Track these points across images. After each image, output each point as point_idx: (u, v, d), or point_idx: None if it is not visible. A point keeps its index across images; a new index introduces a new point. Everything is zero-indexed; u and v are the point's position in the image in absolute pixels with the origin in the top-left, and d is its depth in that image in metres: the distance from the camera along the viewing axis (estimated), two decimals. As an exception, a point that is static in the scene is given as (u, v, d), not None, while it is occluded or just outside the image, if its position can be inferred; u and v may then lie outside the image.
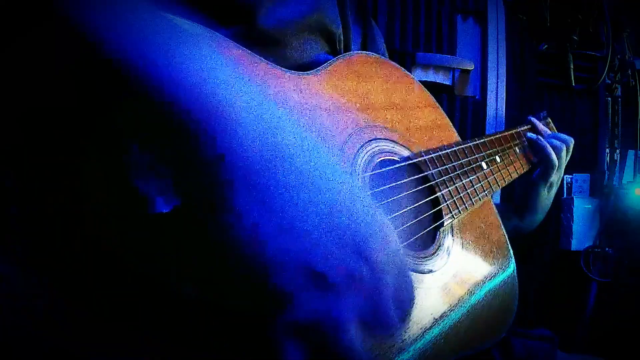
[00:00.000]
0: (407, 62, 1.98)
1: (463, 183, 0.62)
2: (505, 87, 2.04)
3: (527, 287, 1.92)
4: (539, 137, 0.89)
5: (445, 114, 0.71)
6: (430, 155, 0.59)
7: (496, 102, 2.05)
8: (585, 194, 1.97)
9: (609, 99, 1.94)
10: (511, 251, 0.67)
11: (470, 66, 2.02)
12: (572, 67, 1.88)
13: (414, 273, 0.49)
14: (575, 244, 1.89)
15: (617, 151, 1.92)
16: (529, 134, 0.89)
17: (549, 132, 0.95)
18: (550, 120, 1.02)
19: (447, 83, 2.02)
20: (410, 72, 2.05)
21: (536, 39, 1.97)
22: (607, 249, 1.83)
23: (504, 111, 2.03)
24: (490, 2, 2.04)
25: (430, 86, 2.03)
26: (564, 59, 1.91)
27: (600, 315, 1.79)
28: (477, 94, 2.07)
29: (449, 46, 2.04)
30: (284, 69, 0.47)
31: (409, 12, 2.01)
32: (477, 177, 0.66)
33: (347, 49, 0.66)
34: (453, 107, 2.02)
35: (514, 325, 0.72)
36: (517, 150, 0.80)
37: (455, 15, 2.05)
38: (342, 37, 0.65)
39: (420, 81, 2.09)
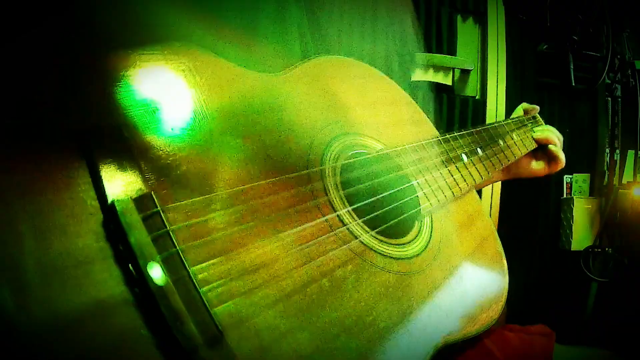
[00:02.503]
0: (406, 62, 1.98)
1: (441, 173, 0.62)
2: (505, 87, 2.04)
3: (527, 286, 1.91)
4: (555, 147, 0.92)
5: (421, 111, 0.71)
6: (405, 147, 0.59)
7: (496, 102, 2.04)
8: (585, 194, 1.97)
9: (609, 99, 1.94)
10: (498, 239, 0.67)
11: (470, 66, 2.02)
12: (572, 67, 1.88)
13: (391, 259, 0.49)
14: (575, 244, 1.89)
15: (617, 151, 1.92)
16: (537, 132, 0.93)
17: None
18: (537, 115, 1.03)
19: (447, 83, 2.02)
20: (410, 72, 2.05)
21: (536, 39, 1.97)
22: (607, 249, 1.83)
23: (504, 111, 2.03)
24: (490, 2, 2.04)
25: (430, 86, 2.03)
26: (564, 59, 1.92)
27: (600, 315, 1.78)
28: (477, 94, 2.07)
29: (449, 46, 2.04)
30: (253, 71, 0.49)
31: (409, 12, 2.01)
32: (457, 167, 0.66)
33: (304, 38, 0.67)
34: (453, 107, 2.02)
35: (512, 322, 0.72)
36: (501, 143, 0.79)
37: (455, 15, 2.05)
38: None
39: (420, 81, 2.09)
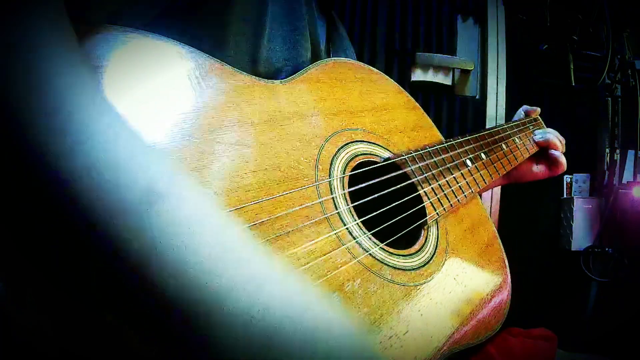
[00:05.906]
0: (407, 62, 1.98)
1: (446, 180, 0.62)
2: (505, 87, 2.04)
3: (527, 287, 1.92)
4: (556, 151, 0.92)
5: (426, 115, 0.71)
6: (411, 154, 0.59)
7: (496, 102, 2.05)
8: (585, 194, 1.97)
9: (609, 99, 1.94)
10: (501, 245, 0.67)
11: (470, 66, 2.02)
12: (572, 67, 1.88)
13: (399, 270, 0.49)
14: (575, 244, 1.89)
15: (617, 151, 1.92)
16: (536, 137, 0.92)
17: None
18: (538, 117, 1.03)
19: (447, 83, 2.03)
20: (410, 72, 2.05)
21: (536, 39, 1.97)
22: (607, 249, 1.83)
23: (504, 111, 2.03)
24: (490, 2, 2.04)
25: (430, 86, 2.04)
26: (564, 59, 1.91)
27: (600, 315, 1.79)
28: (477, 94, 2.07)
29: (449, 46, 2.04)
30: (258, 78, 0.48)
31: (409, 12, 2.01)
32: (462, 174, 0.66)
33: (314, 43, 0.66)
34: (453, 107, 2.03)
35: (514, 325, 0.72)
36: (504, 147, 0.79)
37: (455, 15, 2.05)
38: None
39: (420, 81, 2.09)
